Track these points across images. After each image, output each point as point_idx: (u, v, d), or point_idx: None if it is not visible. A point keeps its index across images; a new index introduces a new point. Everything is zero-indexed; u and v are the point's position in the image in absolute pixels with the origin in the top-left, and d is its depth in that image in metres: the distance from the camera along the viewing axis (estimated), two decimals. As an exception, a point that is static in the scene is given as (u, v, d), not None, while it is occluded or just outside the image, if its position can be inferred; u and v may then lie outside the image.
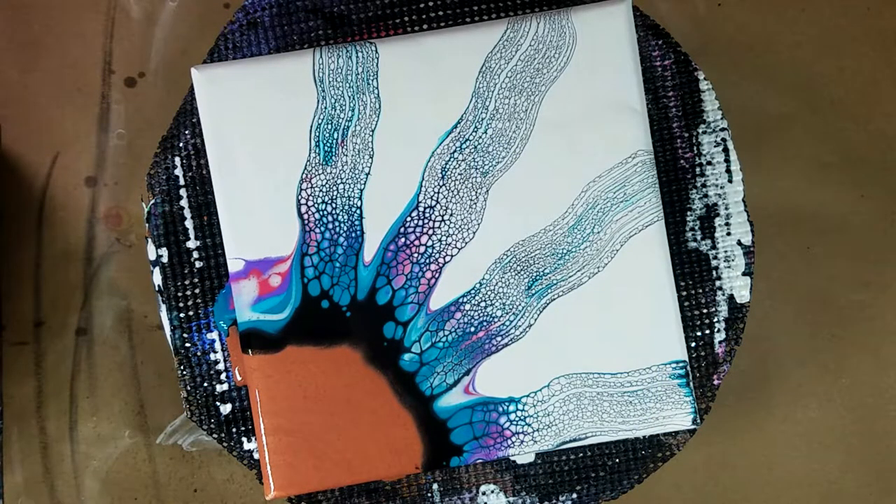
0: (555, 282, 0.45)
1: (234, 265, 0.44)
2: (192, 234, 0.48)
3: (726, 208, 0.48)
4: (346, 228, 0.44)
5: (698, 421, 0.46)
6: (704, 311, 0.48)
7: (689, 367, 0.45)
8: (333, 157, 0.44)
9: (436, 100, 0.45)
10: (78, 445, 0.50)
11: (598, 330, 0.45)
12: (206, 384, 0.49)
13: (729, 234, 0.48)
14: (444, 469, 0.49)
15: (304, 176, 0.44)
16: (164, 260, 0.48)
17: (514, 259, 0.45)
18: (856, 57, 0.50)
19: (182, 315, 0.49)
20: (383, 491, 0.49)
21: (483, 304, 0.45)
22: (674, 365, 0.45)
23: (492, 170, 0.44)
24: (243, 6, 0.49)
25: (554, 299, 0.45)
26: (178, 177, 0.49)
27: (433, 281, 0.45)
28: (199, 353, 0.49)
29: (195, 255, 0.48)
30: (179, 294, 0.48)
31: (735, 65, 0.49)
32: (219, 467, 0.50)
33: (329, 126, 0.44)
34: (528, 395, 0.45)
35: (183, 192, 0.49)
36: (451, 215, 0.44)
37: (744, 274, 0.48)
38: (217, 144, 0.44)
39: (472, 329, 0.45)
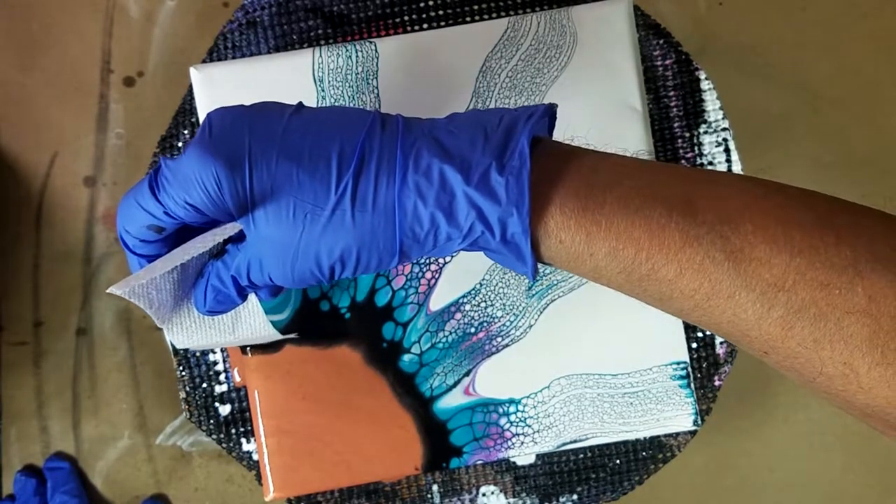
0: (555, 282, 0.45)
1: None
2: (191, 234, 0.48)
3: (727, 208, 0.48)
4: (345, 229, 0.44)
5: (699, 422, 0.45)
6: (705, 311, 0.48)
7: (690, 368, 0.45)
8: (333, 158, 0.44)
9: (436, 99, 0.44)
10: (82, 444, 0.50)
11: (598, 330, 0.45)
12: (205, 385, 0.49)
13: (730, 234, 0.48)
14: (443, 470, 0.49)
15: (303, 176, 0.44)
16: (164, 260, 0.48)
17: (515, 260, 0.44)
18: (857, 57, 0.50)
19: (181, 315, 0.49)
20: (383, 492, 0.49)
21: (483, 304, 0.45)
22: (675, 366, 0.45)
23: (492, 170, 0.44)
24: (242, 5, 0.49)
25: (554, 300, 0.45)
26: (177, 177, 0.49)
27: (433, 281, 0.45)
28: (197, 354, 0.49)
29: (194, 255, 0.48)
30: (178, 294, 0.48)
31: (736, 64, 0.49)
32: (218, 468, 0.50)
33: (329, 126, 0.44)
34: (528, 396, 0.45)
35: (182, 192, 0.49)
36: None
37: (745, 274, 0.48)
38: (216, 144, 0.44)
39: (473, 330, 0.45)
